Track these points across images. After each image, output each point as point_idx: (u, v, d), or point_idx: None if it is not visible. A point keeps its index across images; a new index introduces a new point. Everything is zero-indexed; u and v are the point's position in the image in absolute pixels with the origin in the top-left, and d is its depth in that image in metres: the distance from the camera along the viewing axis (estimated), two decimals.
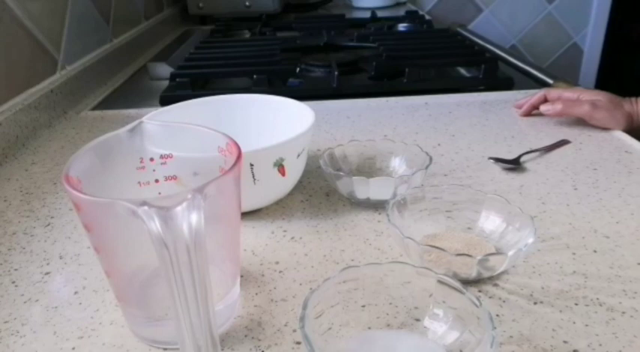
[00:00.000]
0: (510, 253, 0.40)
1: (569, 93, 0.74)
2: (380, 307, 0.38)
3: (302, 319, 0.33)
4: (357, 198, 0.53)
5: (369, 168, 0.59)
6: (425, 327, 0.37)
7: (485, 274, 0.42)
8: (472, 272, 0.41)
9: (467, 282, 0.42)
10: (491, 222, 0.47)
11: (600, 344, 0.36)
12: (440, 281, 0.36)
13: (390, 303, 0.38)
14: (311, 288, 0.42)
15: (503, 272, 0.44)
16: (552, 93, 0.75)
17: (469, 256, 0.40)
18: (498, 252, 0.42)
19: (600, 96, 0.71)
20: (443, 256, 0.41)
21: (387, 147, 0.59)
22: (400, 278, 0.38)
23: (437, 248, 0.41)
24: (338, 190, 0.55)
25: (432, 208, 0.49)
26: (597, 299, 0.41)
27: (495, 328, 0.32)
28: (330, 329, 0.36)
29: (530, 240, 0.41)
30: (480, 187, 0.57)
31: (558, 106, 0.72)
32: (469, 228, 0.48)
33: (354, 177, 0.51)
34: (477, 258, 0.40)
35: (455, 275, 0.41)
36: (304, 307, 0.33)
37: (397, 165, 0.59)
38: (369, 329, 0.37)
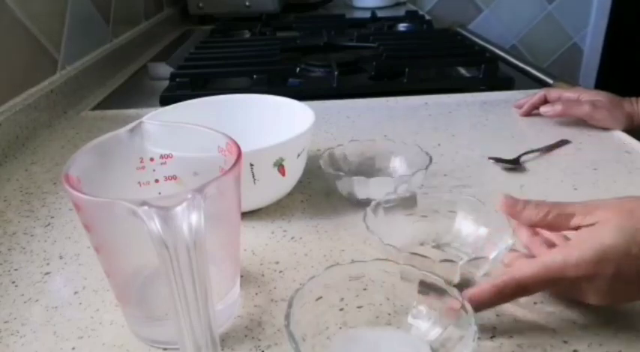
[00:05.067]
0: (492, 256, 0.40)
1: (569, 94, 0.73)
2: (365, 305, 0.38)
3: (287, 317, 0.33)
4: (357, 198, 0.53)
5: (369, 168, 0.59)
6: (409, 324, 0.37)
7: (469, 276, 0.42)
8: (455, 278, 0.40)
9: (464, 283, 0.42)
10: (468, 225, 0.47)
11: (600, 344, 0.36)
12: (422, 280, 0.36)
13: (376, 300, 0.38)
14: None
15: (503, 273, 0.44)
16: (552, 93, 0.75)
17: (451, 261, 0.40)
18: (480, 256, 0.41)
19: (600, 97, 0.71)
20: (425, 262, 0.40)
21: (387, 147, 0.59)
22: (385, 276, 0.38)
23: (419, 255, 0.40)
24: (338, 190, 0.55)
25: (414, 213, 0.48)
26: None
27: (476, 323, 0.32)
28: (315, 327, 0.36)
29: (510, 242, 0.41)
30: (480, 187, 0.57)
31: (558, 107, 0.72)
32: (446, 233, 0.48)
33: (354, 177, 0.51)
34: (459, 263, 0.39)
35: None
36: (289, 305, 0.34)
37: (397, 165, 0.59)
38: (354, 328, 0.37)
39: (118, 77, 1.06)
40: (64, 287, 0.44)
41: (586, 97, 0.71)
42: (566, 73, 1.87)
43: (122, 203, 0.29)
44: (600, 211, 0.36)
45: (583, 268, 0.34)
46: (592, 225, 0.36)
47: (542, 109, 0.74)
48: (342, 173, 0.53)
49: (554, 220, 0.39)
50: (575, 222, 0.37)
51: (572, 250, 0.35)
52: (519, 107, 0.78)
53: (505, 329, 0.38)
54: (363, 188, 0.51)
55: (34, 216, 0.55)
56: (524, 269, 0.36)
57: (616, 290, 0.35)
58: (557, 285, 0.38)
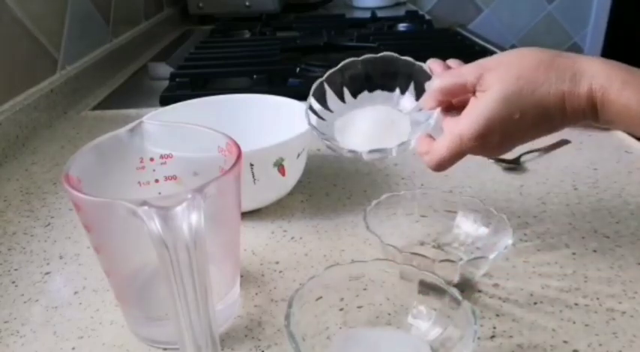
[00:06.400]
0: (492, 256, 0.40)
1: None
2: (365, 305, 0.38)
3: (287, 317, 0.33)
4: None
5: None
6: (409, 324, 0.37)
7: (469, 276, 0.42)
8: (455, 278, 0.40)
9: (464, 283, 0.42)
10: (468, 225, 0.47)
11: (600, 344, 0.36)
12: (422, 280, 0.36)
13: (376, 300, 0.38)
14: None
15: (503, 273, 0.44)
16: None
17: (451, 261, 0.40)
18: (480, 256, 0.41)
19: None
20: (425, 262, 0.40)
21: None
22: (385, 276, 0.38)
23: (418, 255, 0.40)
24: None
25: (414, 213, 0.49)
26: (597, 299, 0.41)
27: (477, 323, 0.32)
28: (315, 327, 0.36)
29: (510, 241, 0.41)
30: (480, 187, 0.58)
31: None
32: (447, 231, 0.48)
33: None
34: (459, 263, 0.39)
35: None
36: (289, 305, 0.34)
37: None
38: (354, 328, 0.37)
39: (117, 77, 1.06)
40: (64, 287, 0.44)
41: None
42: None
43: (122, 203, 0.29)
44: (489, 75, 0.40)
45: (474, 140, 0.40)
46: (482, 92, 0.40)
47: None
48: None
49: (456, 90, 0.42)
50: (470, 89, 0.41)
51: (464, 126, 0.40)
52: None
53: (505, 329, 0.38)
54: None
55: (34, 216, 0.55)
56: (437, 154, 0.42)
57: (505, 146, 0.42)
58: (464, 155, 0.42)
